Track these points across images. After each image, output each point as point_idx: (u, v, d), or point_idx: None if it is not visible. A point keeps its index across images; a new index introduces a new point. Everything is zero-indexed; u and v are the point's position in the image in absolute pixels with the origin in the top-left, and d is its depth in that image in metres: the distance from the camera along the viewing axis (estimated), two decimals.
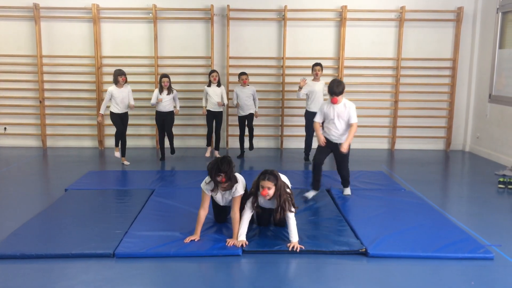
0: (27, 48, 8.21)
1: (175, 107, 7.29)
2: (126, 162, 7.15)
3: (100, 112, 6.92)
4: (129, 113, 7.08)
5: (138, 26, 8.23)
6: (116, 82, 6.80)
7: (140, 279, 3.43)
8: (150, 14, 8.09)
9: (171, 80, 7.14)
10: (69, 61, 8.26)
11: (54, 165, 7.29)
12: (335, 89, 4.94)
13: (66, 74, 8.30)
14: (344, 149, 4.99)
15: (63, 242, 3.96)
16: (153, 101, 7.06)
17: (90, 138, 8.53)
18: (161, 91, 7.05)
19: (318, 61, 7.27)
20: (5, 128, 8.44)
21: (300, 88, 7.03)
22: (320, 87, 7.09)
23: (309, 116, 7.05)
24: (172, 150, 7.44)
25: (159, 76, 7.21)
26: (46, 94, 8.34)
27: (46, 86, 8.33)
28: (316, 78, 7.11)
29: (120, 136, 7.00)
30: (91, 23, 8.12)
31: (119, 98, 6.81)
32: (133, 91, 7.13)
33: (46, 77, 8.30)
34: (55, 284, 3.32)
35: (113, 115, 6.89)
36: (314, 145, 7.43)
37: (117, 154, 7.14)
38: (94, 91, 8.29)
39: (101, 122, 7.00)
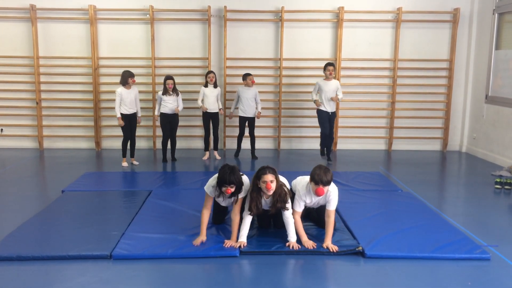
0: (24, 49, 8.19)
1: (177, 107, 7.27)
2: (135, 162, 7.19)
3: (118, 115, 6.84)
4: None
5: (135, 27, 8.22)
6: (125, 83, 6.81)
7: (137, 280, 3.42)
8: (147, 15, 8.08)
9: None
10: (65, 62, 8.24)
11: (51, 167, 7.27)
12: (323, 177, 3.85)
13: (63, 75, 8.28)
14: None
15: (59, 243, 3.95)
16: (157, 111, 7.17)
17: (87, 140, 8.51)
18: (165, 93, 7.04)
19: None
20: (1, 130, 8.42)
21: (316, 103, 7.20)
22: (332, 86, 7.14)
23: (322, 114, 7.23)
24: (173, 157, 7.43)
25: (162, 78, 7.19)
26: (43, 95, 8.32)
27: (43, 87, 8.31)
28: (329, 77, 7.13)
29: (128, 142, 7.06)
30: (88, 24, 8.10)
31: (128, 99, 6.84)
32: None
33: (42, 78, 8.28)
34: (51, 286, 3.31)
35: (122, 116, 6.87)
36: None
37: (125, 164, 7.11)
38: (91, 92, 8.28)
39: (122, 125, 6.91)
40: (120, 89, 6.82)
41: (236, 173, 3.88)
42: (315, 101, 7.20)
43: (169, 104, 7.08)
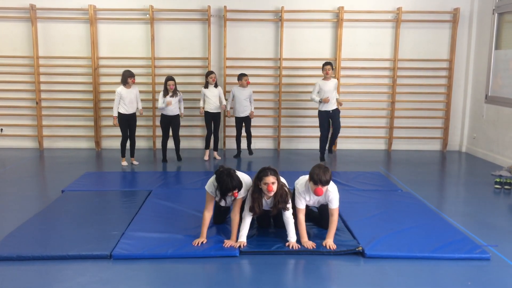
0: (24, 49, 8.19)
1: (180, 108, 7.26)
2: (135, 162, 7.18)
3: (114, 115, 6.87)
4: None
5: (135, 27, 8.22)
6: (125, 82, 6.81)
7: (137, 280, 3.42)
8: (147, 15, 8.08)
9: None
10: (65, 62, 8.24)
11: (51, 167, 7.27)
12: (322, 177, 3.82)
13: (63, 75, 8.28)
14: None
15: (59, 243, 3.95)
16: (161, 105, 6.95)
17: (87, 139, 8.51)
18: (166, 94, 6.96)
19: (325, 61, 7.34)
20: (1, 129, 8.42)
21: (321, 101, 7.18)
22: (331, 86, 7.14)
23: (321, 115, 7.24)
24: (178, 156, 7.38)
25: (162, 78, 7.18)
26: (43, 95, 8.32)
27: (43, 87, 8.31)
28: (326, 77, 7.15)
29: (126, 142, 7.05)
30: (88, 24, 8.10)
31: (127, 99, 6.82)
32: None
33: (42, 78, 8.28)
34: (51, 286, 3.31)
35: (120, 116, 6.87)
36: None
37: (124, 163, 7.12)
38: (91, 92, 8.28)
39: (117, 125, 6.94)
40: (120, 89, 6.83)
41: (234, 175, 3.90)
42: (321, 100, 7.13)
43: (170, 105, 7.02)
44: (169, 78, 7.00)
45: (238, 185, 3.88)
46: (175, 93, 7.02)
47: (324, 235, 4.06)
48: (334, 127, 7.33)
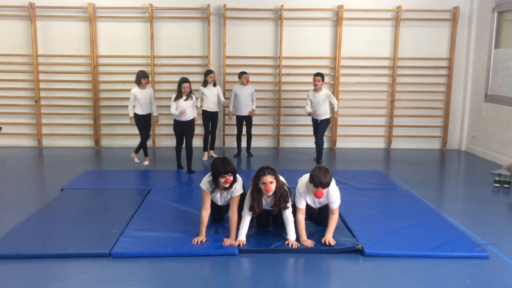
0: (23, 47, 8.17)
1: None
2: (141, 162, 7.13)
3: (130, 115, 6.78)
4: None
5: (134, 25, 8.21)
6: (138, 83, 6.72)
7: (136, 278, 3.42)
8: (146, 14, 8.07)
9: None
10: (65, 61, 8.23)
11: (50, 165, 7.26)
12: (323, 179, 3.79)
13: (62, 73, 8.27)
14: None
15: (59, 242, 3.95)
16: (173, 111, 6.32)
17: (86, 138, 8.50)
18: (179, 97, 6.33)
19: (319, 70, 7.22)
20: (0, 128, 8.41)
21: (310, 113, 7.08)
22: (320, 98, 6.96)
23: (315, 123, 7.16)
24: (190, 168, 6.51)
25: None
26: (42, 94, 8.31)
27: (42, 85, 8.30)
28: (316, 88, 6.96)
29: (145, 142, 6.97)
30: (87, 22, 8.09)
31: (142, 99, 6.73)
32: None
33: (41, 77, 8.27)
34: (51, 284, 3.31)
35: (137, 117, 6.78)
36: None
37: (146, 162, 7.08)
38: (90, 91, 8.27)
39: (134, 124, 6.83)
40: (135, 89, 6.74)
41: (229, 162, 3.92)
42: (310, 114, 7.04)
43: (185, 114, 6.35)
44: (184, 80, 6.32)
45: (232, 171, 3.89)
46: (189, 96, 6.38)
47: (323, 234, 4.05)
48: (316, 135, 7.15)
